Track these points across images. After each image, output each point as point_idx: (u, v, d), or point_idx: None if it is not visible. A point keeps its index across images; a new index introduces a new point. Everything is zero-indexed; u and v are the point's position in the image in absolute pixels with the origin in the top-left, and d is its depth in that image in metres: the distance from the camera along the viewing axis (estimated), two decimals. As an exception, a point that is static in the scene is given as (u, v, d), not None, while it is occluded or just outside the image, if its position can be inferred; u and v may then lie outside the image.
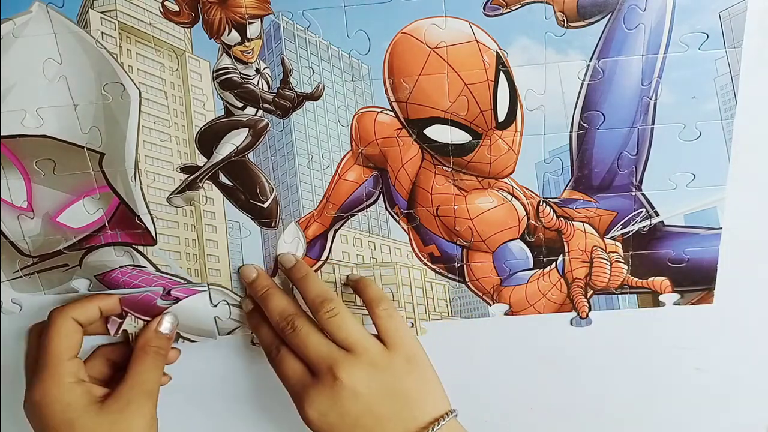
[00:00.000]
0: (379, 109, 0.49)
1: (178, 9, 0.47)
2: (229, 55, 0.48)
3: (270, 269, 0.54)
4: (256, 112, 0.50)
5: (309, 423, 0.47)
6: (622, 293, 0.54)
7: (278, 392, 0.58)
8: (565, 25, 0.46)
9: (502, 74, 0.48)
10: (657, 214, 0.51)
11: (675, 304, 0.54)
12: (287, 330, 0.49)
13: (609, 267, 0.53)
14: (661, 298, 0.54)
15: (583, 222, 0.52)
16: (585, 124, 0.49)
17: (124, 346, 0.55)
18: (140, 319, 0.54)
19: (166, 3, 0.47)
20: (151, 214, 0.52)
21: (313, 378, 0.47)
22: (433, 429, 0.46)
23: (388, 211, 0.53)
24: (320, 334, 0.48)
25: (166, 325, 0.53)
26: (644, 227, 0.52)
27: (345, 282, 0.55)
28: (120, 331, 0.54)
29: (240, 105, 0.49)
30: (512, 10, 0.46)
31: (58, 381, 0.48)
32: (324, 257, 0.54)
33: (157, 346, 0.52)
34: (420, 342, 0.50)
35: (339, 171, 0.51)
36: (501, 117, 0.49)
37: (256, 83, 0.49)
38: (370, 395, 0.46)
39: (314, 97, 0.49)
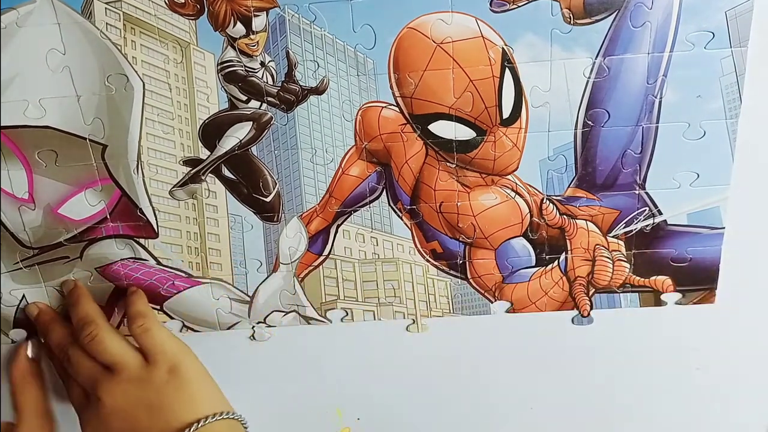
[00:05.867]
0: (383, 104, 0.49)
1: (183, 0, 0.47)
2: (233, 47, 0.48)
3: (271, 265, 0.54)
4: (260, 105, 0.50)
5: None
6: (623, 292, 0.54)
7: (277, 389, 0.58)
8: (572, 22, 0.46)
9: (507, 71, 0.47)
10: (660, 213, 0.51)
11: (677, 303, 0.54)
12: (64, 360, 0.51)
13: (611, 265, 0.53)
14: (662, 297, 0.54)
15: (586, 220, 0.52)
16: (590, 122, 0.49)
17: None
18: None
19: (171, -6, 0.46)
20: (153, 207, 0.52)
21: (86, 400, 0.51)
22: (190, 429, 0.48)
23: (391, 207, 0.52)
24: (88, 358, 0.50)
25: (31, 350, 0.55)
26: (647, 226, 0.52)
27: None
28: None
29: (244, 98, 0.49)
30: (519, 7, 0.46)
31: None
32: (326, 252, 0.54)
33: (32, 373, 0.54)
34: (187, 349, 0.52)
35: (342, 166, 0.51)
36: (506, 113, 0.49)
37: (260, 76, 0.49)
38: (129, 409, 0.49)
39: (319, 91, 0.49)
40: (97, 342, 0.50)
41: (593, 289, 0.54)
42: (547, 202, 0.51)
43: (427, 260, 0.54)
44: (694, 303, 0.54)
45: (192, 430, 0.48)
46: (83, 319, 0.51)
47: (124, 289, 0.54)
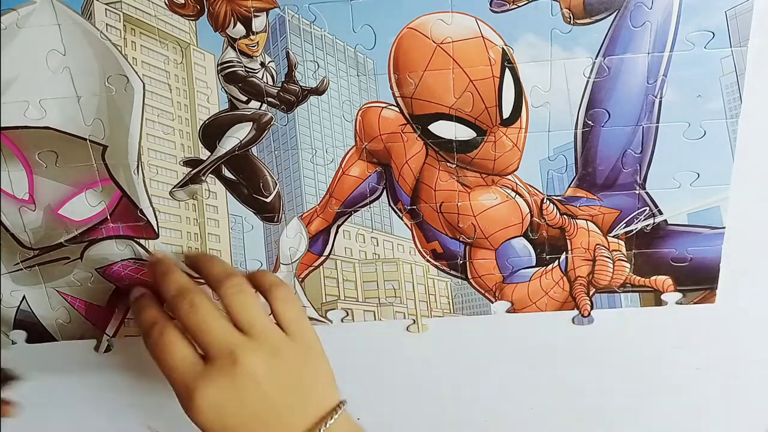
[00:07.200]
0: (383, 105, 0.49)
1: (183, 1, 0.47)
2: (234, 48, 0.48)
3: (272, 265, 0.54)
4: (261, 106, 0.50)
5: (198, 417, 0.42)
6: (624, 292, 0.54)
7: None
8: (572, 22, 0.46)
9: (507, 71, 0.47)
10: (660, 213, 0.51)
11: (677, 303, 0.54)
12: (184, 307, 0.43)
13: (612, 265, 0.53)
14: (663, 297, 0.54)
15: (586, 220, 0.52)
16: (590, 122, 0.49)
17: None
18: None
19: (171, -5, 0.46)
20: (153, 208, 0.52)
21: (206, 365, 0.42)
22: (326, 424, 0.43)
23: (392, 207, 0.52)
24: (221, 315, 0.44)
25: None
26: (647, 226, 0.52)
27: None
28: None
29: (244, 99, 0.49)
30: (519, 6, 0.46)
31: None
32: (326, 253, 0.54)
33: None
34: (316, 331, 0.48)
35: (343, 166, 0.51)
36: (506, 113, 0.49)
37: (260, 77, 0.49)
38: (269, 384, 0.42)
39: (319, 91, 0.49)
40: (244, 297, 0.44)
41: (593, 289, 0.54)
42: (548, 202, 0.51)
43: (428, 260, 0.54)
44: (694, 303, 0.54)
45: (332, 419, 0.43)
46: (227, 271, 0.46)
47: (124, 289, 0.54)
